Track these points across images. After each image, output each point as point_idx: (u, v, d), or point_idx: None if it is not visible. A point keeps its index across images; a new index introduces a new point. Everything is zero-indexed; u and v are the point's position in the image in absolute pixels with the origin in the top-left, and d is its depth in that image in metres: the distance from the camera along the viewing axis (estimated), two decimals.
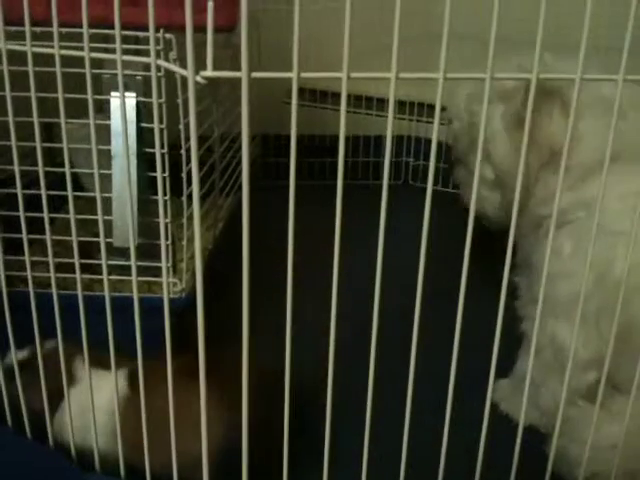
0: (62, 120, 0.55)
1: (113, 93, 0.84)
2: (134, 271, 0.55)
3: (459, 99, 0.93)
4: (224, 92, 1.15)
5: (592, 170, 0.76)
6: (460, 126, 0.95)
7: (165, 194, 0.75)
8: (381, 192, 0.46)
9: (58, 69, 0.52)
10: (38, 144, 0.57)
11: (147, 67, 0.51)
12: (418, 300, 0.50)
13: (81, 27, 0.49)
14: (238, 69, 0.41)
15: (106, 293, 0.57)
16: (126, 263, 0.83)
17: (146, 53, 0.51)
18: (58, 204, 0.90)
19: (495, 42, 0.44)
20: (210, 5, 0.37)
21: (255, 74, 0.40)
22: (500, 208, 0.90)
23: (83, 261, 0.61)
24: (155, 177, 0.61)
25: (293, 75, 0.41)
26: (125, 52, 0.49)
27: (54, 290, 0.61)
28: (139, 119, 0.86)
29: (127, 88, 0.81)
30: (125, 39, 0.50)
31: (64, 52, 0.51)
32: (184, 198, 0.86)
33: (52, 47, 0.52)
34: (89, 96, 0.52)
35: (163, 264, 0.55)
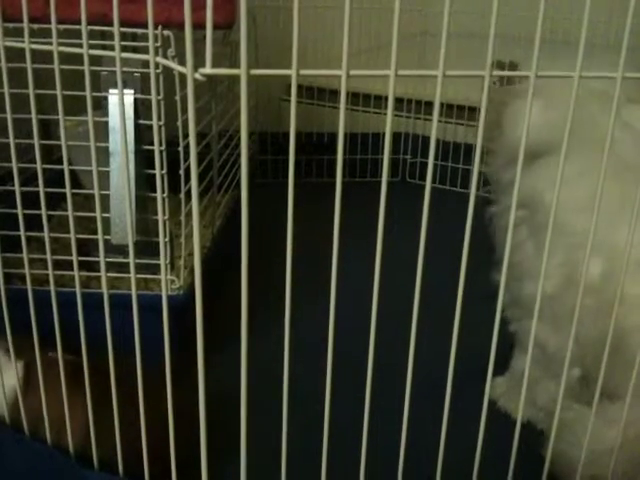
0: (60, 117, 0.55)
1: (111, 90, 0.84)
2: (132, 268, 0.55)
3: None
4: (222, 89, 1.15)
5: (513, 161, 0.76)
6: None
7: (163, 191, 0.75)
8: (379, 189, 0.46)
9: (56, 66, 0.52)
10: (36, 141, 0.57)
11: (145, 64, 0.51)
12: (417, 297, 0.50)
13: (78, 24, 0.49)
14: (236, 66, 0.41)
15: (104, 290, 0.57)
16: (124, 260, 0.83)
17: (144, 50, 0.51)
18: (55, 201, 0.89)
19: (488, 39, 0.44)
20: (209, 3, 0.37)
21: (254, 71, 0.40)
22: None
23: (81, 258, 0.61)
24: (152, 174, 0.61)
25: (292, 72, 0.41)
26: (123, 49, 0.49)
27: (52, 287, 0.61)
28: (137, 116, 0.86)
29: (125, 85, 0.81)
30: (123, 36, 0.50)
31: (62, 49, 0.51)
32: (182, 195, 0.86)
33: (49, 44, 0.52)
34: (87, 93, 0.52)
35: (162, 261, 0.55)
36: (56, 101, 0.54)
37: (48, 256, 0.61)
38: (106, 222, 0.87)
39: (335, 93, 1.86)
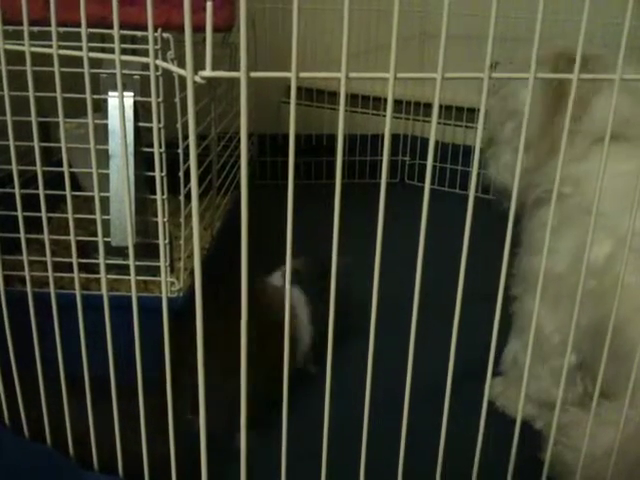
0: (60, 119, 0.55)
1: (111, 92, 0.84)
2: (132, 270, 0.55)
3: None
4: (221, 91, 1.15)
5: (596, 142, 0.76)
6: (494, 101, 0.94)
7: (163, 193, 0.75)
8: (378, 191, 0.46)
9: (56, 69, 0.52)
10: (36, 143, 0.57)
11: (145, 66, 0.51)
12: (416, 297, 0.50)
13: (77, 26, 0.49)
14: (235, 68, 0.41)
15: (104, 292, 0.57)
16: (124, 262, 0.83)
17: (143, 52, 0.51)
18: (54, 203, 0.90)
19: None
20: (209, 6, 0.37)
21: (254, 74, 0.40)
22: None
23: (81, 260, 0.61)
24: (152, 176, 0.61)
25: (292, 75, 0.41)
26: (123, 52, 0.49)
27: (52, 289, 0.61)
28: (137, 118, 0.86)
29: (125, 87, 0.81)
30: (122, 38, 0.50)
31: (63, 52, 0.51)
32: (181, 197, 0.86)
33: (48, 46, 0.52)
34: (87, 96, 0.52)
35: (162, 263, 0.55)
36: (56, 103, 0.54)
37: (48, 258, 0.61)
38: (106, 224, 0.87)
39: (334, 95, 1.86)
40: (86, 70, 0.51)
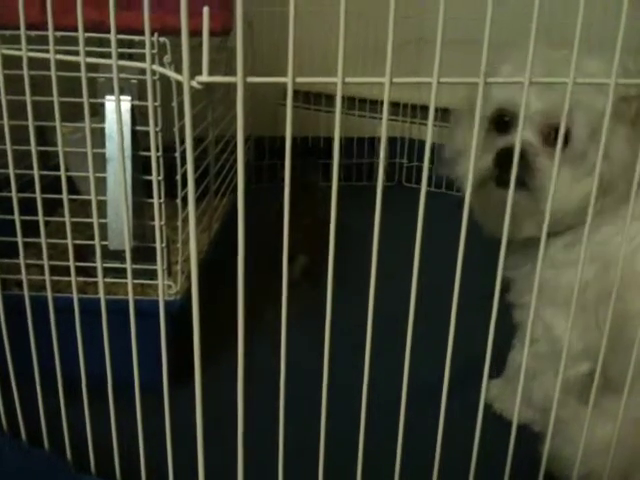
0: (57, 124, 0.55)
1: (108, 97, 0.84)
2: (130, 274, 0.55)
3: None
4: (218, 95, 1.15)
5: None
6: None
7: (160, 197, 0.75)
8: (375, 193, 0.46)
9: (53, 73, 0.52)
10: (33, 148, 0.58)
11: (142, 71, 0.51)
12: (412, 300, 0.50)
13: (75, 31, 0.49)
14: (233, 72, 0.41)
15: (101, 296, 0.57)
16: (121, 266, 0.83)
17: (140, 57, 0.51)
18: (51, 207, 0.90)
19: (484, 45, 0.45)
20: (206, 10, 0.38)
21: (251, 79, 0.41)
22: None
23: (78, 264, 0.61)
24: (149, 180, 0.61)
25: (288, 80, 0.41)
26: (120, 56, 0.49)
27: (49, 293, 0.61)
28: (134, 122, 0.86)
29: (122, 91, 0.81)
30: (119, 43, 0.50)
31: (60, 57, 0.52)
32: (179, 200, 0.87)
33: (44, 51, 0.52)
34: (84, 100, 0.52)
35: (159, 267, 0.55)
36: (53, 107, 0.54)
37: (45, 262, 0.61)
38: (103, 228, 0.87)
39: (331, 98, 1.86)
40: (83, 74, 0.51)
